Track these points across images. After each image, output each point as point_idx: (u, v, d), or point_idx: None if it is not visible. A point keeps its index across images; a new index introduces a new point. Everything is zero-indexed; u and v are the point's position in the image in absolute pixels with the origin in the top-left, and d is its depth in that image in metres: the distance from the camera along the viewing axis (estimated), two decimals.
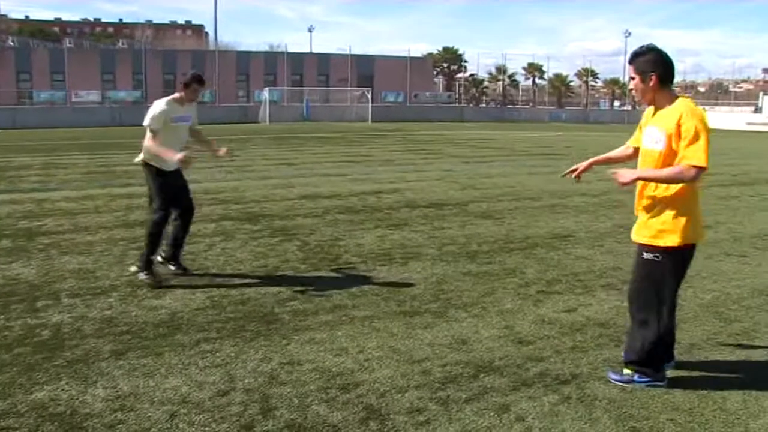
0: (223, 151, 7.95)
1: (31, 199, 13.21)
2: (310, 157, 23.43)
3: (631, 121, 62.40)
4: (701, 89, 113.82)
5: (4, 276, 7.55)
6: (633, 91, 4.77)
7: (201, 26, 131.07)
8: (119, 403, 4.44)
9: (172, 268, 7.71)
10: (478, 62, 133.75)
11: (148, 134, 7.29)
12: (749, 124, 58.78)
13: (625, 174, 4.58)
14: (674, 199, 4.53)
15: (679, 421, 4.24)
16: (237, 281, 7.39)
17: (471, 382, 4.79)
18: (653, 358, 4.74)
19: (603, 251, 8.90)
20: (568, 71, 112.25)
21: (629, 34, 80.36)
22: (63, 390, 4.63)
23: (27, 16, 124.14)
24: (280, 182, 16.07)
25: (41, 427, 4.11)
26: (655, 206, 4.61)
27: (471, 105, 78.24)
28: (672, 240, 4.55)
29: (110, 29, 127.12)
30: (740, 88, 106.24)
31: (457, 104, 75.29)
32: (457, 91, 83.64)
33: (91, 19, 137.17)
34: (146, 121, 7.28)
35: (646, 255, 4.69)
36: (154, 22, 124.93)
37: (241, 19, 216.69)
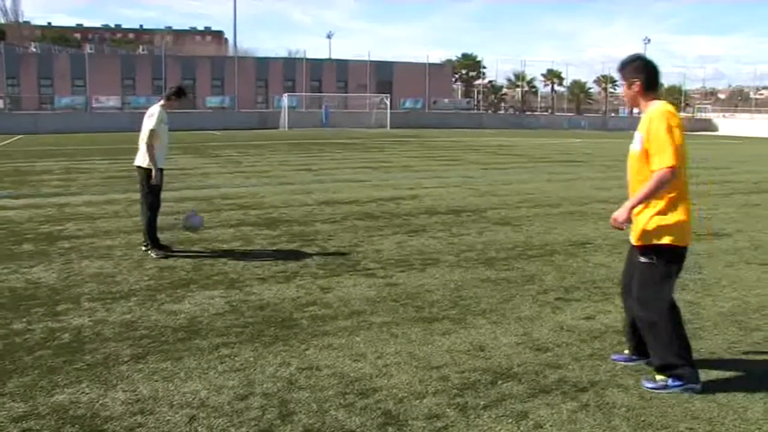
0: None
1: (53, 204, 13.33)
2: (328, 163, 23.49)
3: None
4: (721, 96, 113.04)
5: (26, 280, 7.62)
6: (624, 98, 5.01)
7: (220, 32, 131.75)
8: (139, 407, 4.47)
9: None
10: (497, 68, 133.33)
11: (148, 135, 8.78)
12: None
13: (618, 215, 4.72)
14: (661, 201, 4.66)
15: (699, 431, 4.21)
16: (256, 286, 7.42)
17: (489, 389, 4.78)
18: (677, 359, 4.75)
19: (622, 258, 8.75)
20: (587, 78, 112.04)
21: (648, 40, 79.73)
22: (83, 393, 4.67)
23: (49, 23, 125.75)
24: (299, 188, 16.11)
25: (62, 430, 4.14)
26: (646, 209, 4.73)
27: (490, 111, 78.07)
28: (664, 239, 4.68)
29: (131, 35, 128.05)
30: (761, 95, 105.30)
31: (475, 111, 75.17)
32: (475, 97, 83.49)
33: (112, 26, 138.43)
34: (152, 124, 8.80)
35: (642, 259, 4.82)
36: (174, 28, 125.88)
37: (260, 24, 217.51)
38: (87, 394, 4.66)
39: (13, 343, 5.60)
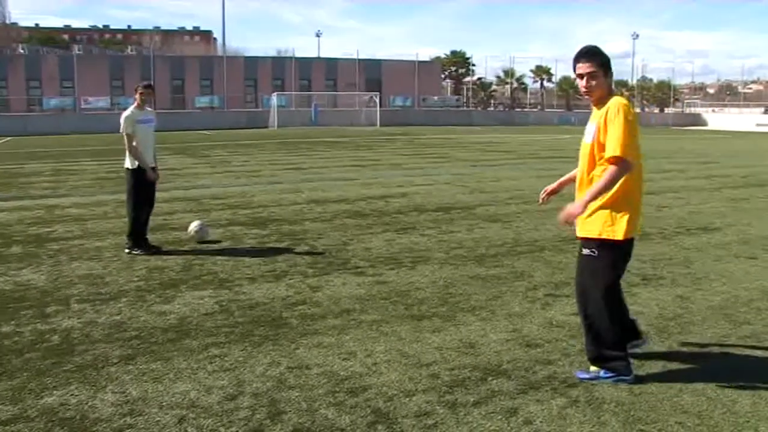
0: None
1: (41, 206, 13.28)
2: (318, 161, 23.48)
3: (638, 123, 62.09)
4: (710, 91, 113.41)
5: (15, 282, 7.59)
6: (592, 86, 4.68)
7: (209, 32, 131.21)
8: (128, 408, 4.46)
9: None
10: (486, 65, 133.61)
11: (126, 140, 8.90)
12: (759, 125, 58.62)
13: (571, 210, 4.62)
14: (608, 194, 4.61)
15: (688, 425, 4.23)
16: (245, 286, 7.40)
17: (479, 386, 4.79)
18: (610, 351, 4.82)
19: None
20: None
21: (637, 36, 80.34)
22: (72, 395, 4.66)
23: (37, 24, 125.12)
24: (289, 187, 16.10)
25: None
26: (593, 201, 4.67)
27: (479, 108, 78.17)
28: (608, 233, 4.66)
29: (119, 36, 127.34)
30: (750, 89, 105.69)
31: (465, 108, 75.25)
32: (465, 94, 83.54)
33: (100, 26, 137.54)
34: (122, 129, 8.89)
35: (584, 251, 4.81)
36: (163, 28, 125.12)
37: (248, 24, 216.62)
38: (76, 396, 4.64)
39: (2, 346, 5.57)
